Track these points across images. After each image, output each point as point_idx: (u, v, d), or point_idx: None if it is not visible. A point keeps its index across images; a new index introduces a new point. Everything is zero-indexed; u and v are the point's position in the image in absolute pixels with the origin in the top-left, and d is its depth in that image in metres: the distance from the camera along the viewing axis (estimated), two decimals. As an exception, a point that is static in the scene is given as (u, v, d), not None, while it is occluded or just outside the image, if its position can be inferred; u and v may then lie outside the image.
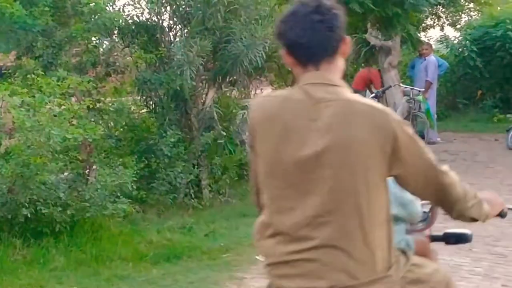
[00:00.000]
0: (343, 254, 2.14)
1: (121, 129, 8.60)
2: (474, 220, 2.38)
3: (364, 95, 14.61)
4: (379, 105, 2.23)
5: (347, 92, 2.25)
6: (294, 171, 2.18)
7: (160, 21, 8.58)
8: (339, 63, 2.29)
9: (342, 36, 2.25)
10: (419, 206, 2.85)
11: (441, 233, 3.02)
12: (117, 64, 8.47)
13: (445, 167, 2.30)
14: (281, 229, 2.21)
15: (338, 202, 2.14)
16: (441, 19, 18.51)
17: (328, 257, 2.15)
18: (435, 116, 13.30)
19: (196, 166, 8.42)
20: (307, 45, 2.21)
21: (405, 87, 12.76)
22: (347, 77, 14.72)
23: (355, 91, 9.55)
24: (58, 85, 6.38)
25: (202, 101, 8.68)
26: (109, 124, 8.38)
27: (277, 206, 2.24)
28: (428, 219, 2.97)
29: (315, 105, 2.19)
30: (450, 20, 19.01)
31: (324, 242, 2.15)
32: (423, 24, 17.68)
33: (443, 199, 2.32)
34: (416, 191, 2.34)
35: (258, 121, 2.29)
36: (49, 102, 6.24)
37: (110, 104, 8.15)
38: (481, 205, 2.38)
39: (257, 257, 6.33)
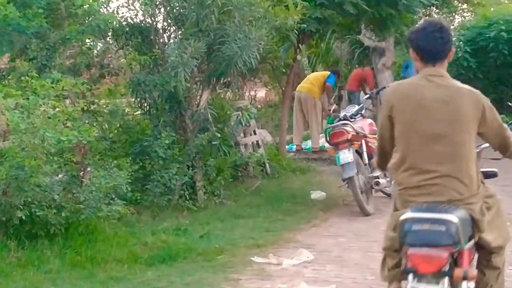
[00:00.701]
0: (456, 180, 3.53)
1: (116, 131, 8.61)
2: None
3: (358, 96, 14.66)
4: (474, 89, 3.64)
5: (453, 80, 3.65)
6: (425, 129, 3.55)
7: (154, 23, 8.57)
8: (446, 64, 3.69)
9: (451, 47, 3.69)
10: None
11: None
12: (111, 66, 8.47)
13: (505, 125, 3.76)
14: (413, 165, 3.59)
15: (453, 148, 3.54)
16: (435, 20, 18.56)
17: (446, 182, 3.53)
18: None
19: (190, 168, 8.42)
20: (430, 51, 3.62)
21: (399, 88, 12.75)
22: (341, 78, 14.74)
23: (349, 92, 9.70)
24: (52, 87, 6.36)
25: (196, 102, 8.67)
26: (104, 126, 8.38)
27: (411, 150, 3.60)
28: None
29: (435, 88, 3.58)
30: (443, 21, 19.06)
31: (444, 173, 3.53)
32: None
33: (504, 145, 3.78)
34: (490, 141, 3.79)
35: (396, 99, 3.67)
36: (43, 104, 6.22)
37: (104, 106, 8.14)
38: None
39: (252, 258, 6.35)
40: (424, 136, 3.57)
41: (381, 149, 3.89)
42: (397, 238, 3.62)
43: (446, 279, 3.41)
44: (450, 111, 3.55)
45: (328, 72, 12.23)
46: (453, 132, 3.54)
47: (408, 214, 3.47)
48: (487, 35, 15.78)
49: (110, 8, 8.31)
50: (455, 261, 3.51)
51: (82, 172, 6.88)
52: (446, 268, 3.40)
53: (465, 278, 3.43)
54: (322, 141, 11.21)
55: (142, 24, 8.58)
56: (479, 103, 3.59)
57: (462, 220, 3.42)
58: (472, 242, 3.61)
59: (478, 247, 3.75)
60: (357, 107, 9.00)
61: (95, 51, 8.53)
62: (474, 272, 3.54)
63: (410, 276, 3.44)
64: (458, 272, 3.41)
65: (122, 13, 8.50)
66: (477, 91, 3.65)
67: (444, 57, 3.65)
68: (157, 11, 8.51)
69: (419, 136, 3.58)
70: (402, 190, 3.66)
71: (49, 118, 6.14)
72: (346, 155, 8.07)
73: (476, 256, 3.80)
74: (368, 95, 9.85)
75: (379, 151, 3.95)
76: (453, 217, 3.37)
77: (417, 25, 3.78)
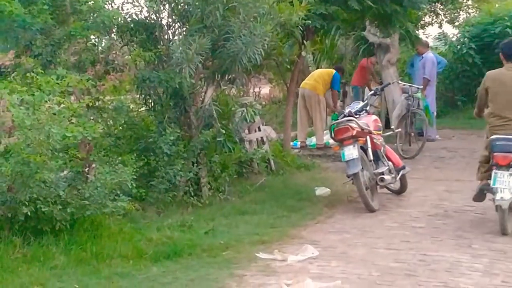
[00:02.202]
0: None
1: (120, 127, 8.61)
2: None
3: (363, 91, 14.64)
4: None
5: None
6: (504, 95, 7.09)
7: (159, 19, 8.57)
8: None
9: None
10: None
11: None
12: (116, 62, 8.47)
13: None
14: (498, 114, 7.11)
15: None
16: (440, 16, 18.53)
17: None
18: (435, 113, 13.29)
19: (195, 164, 8.42)
20: (511, 55, 7.31)
21: (404, 85, 12.75)
22: (346, 74, 14.71)
23: (353, 88, 9.91)
24: (57, 83, 6.36)
25: (201, 99, 8.68)
26: (108, 122, 8.39)
27: (497, 106, 7.12)
28: None
29: (511, 73, 7.24)
30: (448, 17, 19.03)
31: None
32: (422, 22, 17.66)
33: None
34: None
35: (490, 80, 7.23)
36: (49, 101, 6.23)
37: (109, 103, 8.15)
38: None
39: (257, 254, 6.36)
40: (504, 98, 7.00)
41: (479, 105, 7.38)
42: (488, 155, 7.05)
43: None
44: None
45: (333, 70, 12.20)
46: None
47: (494, 137, 6.92)
48: (492, 32, 15.72)
49: (115, 4, 8.33)
50: None
51: (87, 168, 6.88)
52: None
53: None
54: (327, 138, 11.22)
55: (147, 21, 8.58)
56: None
57: None
58: None
59: None
60: (361, 104, 8.98)
61: (100, 48, 8.54)
62: None
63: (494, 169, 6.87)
64: None
65: (127, 9, 8.50)
66: None
67: None
68: (161, 8, 8.51)
69: (501, 98, 7.02)
70: (491, 127, 7.10)
71: (54, 114, 6.15)
72: (351, 151, 8.05)
73: None
74: (373, 92, 9.83)
75: (478, 107, 7.44)
76: None
77: (507, 39, 7.46)
